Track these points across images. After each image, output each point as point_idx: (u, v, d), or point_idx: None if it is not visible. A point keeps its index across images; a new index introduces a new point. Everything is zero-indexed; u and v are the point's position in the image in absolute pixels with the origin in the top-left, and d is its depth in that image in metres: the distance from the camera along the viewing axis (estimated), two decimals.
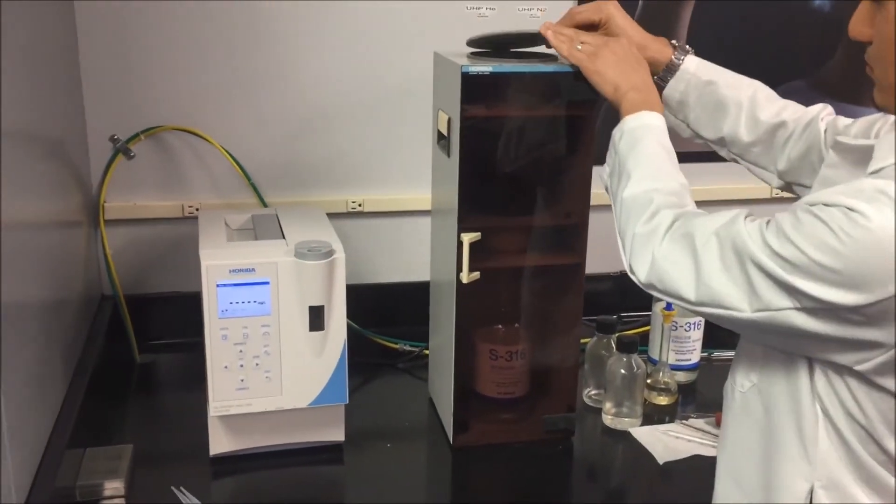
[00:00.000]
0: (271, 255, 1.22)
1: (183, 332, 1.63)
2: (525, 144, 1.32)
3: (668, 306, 1.48)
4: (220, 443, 1.29)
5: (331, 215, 1.64)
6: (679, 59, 1.18)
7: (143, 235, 1.64)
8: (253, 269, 1.20)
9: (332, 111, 1.65)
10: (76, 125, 1.54)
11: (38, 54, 1.27)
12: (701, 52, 1.21)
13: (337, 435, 1.33)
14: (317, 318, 1.23)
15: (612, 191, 1.08)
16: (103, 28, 1.53)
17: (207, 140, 1.59)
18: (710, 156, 1.84)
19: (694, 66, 1.18)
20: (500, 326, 1.41)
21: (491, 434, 1.39)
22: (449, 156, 1.29)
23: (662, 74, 1.19)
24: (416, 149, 1.68)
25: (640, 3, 1.71)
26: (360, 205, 1.70)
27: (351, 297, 1.71)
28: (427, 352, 1.60)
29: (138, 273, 1.66)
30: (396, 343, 1.68)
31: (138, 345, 1.62)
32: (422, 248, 1.62)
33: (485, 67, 1.21)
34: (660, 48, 1.19)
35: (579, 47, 1.16)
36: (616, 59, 1.13)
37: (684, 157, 1.84)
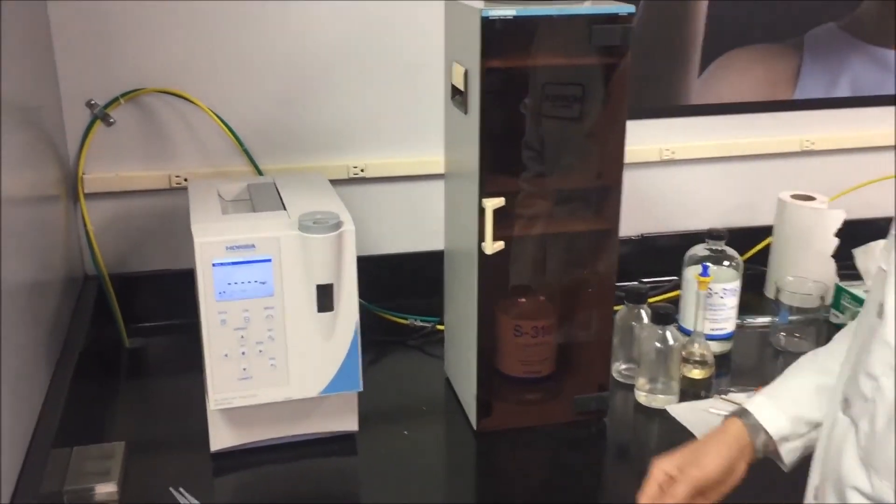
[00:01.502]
0: (272, 228, 1.09)
1: (175, 313, 1.50)
2: (551, 98, 1.19)
3: (704, 271, 1.36)
4: (222, 437, 1.17)
5: (331, 182, 1.52)
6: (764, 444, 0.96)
7: (127, 209, 1.51)
8: (253, 246, 1.07)
9: (329, 67, 1.51)
10: (48, 90, 1.40)
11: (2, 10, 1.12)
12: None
13: (350, 424, 1.22)
14: (325, 297, 1.10)
15: None
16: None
17: (194, 103, 1.45)
18: (735, 108, 1.73)
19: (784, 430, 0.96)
20: (523, 299, 1.29)
21: (516, 416, 1.28)
22: (466, 112, 1.15)
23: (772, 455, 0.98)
24: (424, 107, 1.55)
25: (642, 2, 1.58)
26: (362, 170, 1.57)
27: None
28: (441, 327, 1.48)
29: (123, 250, 1.53)
30: (406, 318, 1.56)
31: (127, 328, 1.50)
32: (430, 215, 1.49)
33: (507, 11, 1.07)
34: (743, 450, 0.95)
35: None
36: None
37: (709, 108, 1.73)
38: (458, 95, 1.18)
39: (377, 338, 1.51)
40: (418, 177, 1.60)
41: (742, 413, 0.97)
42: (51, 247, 1.34)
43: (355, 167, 1.57)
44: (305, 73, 1.51)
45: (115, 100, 1.44)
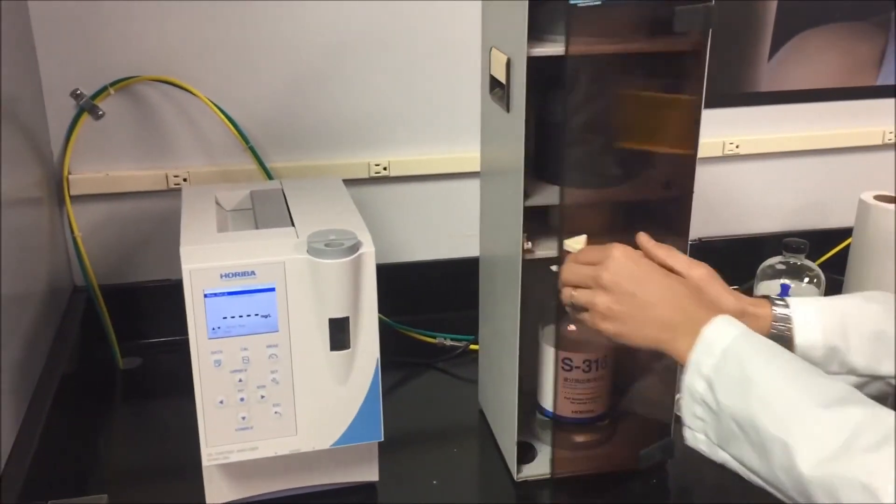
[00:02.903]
0: (276, 251, 0.91)
1: (175, 328, 1.28)
2: (611, 93, 0.99)
3: (784, 291, 1.17)
4: (220, 491, 1.00)
5: (350, 182, 1.34)
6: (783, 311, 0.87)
7: (119, 212, 1.33)
8: (253, 273, 0.89)
9: (347, 51, 1.32)
10: (27, 78, 1.22)
11: None
12: None
13: (369, 474, 1.04)
14: (340, 333, 0.92)
15: (750, 467, 0.74)
16: None
17: (192, 92, 1.27)
18: (809, 95, 1.52)
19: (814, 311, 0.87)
20: (573, 327, 1.10)
21: (563, 464, 1.09)
22: (508, 109, 0.96)
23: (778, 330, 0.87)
24: (456, 96, 1.35)
25: None
26: (385, 168, 1.38)
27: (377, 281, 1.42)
28: (475, 346, 1.30)
29: (116, 258, 1.36)
30: (435, 337, 1.38)
31: (120, 347, 1.33)
32: (464, 217, 1.31)
33: None
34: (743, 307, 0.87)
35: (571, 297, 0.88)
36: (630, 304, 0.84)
37: (779, 96, 1.52)
38: (497, 88, 0.99)
39: (401, 359, 1.34)
40: (449, 175, 1.41)
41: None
42: (30, 256, 1.17)
43: (377, 165, 1.38)
44: (320, 59, 1.32)
45: (104, 89, 1.26)
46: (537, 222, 1.04)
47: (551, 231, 1.04)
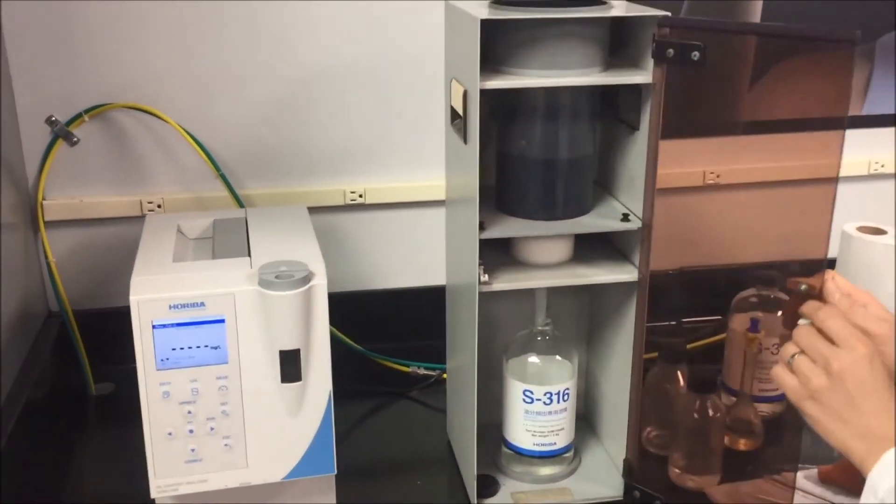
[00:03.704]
0: (227, 282, 0.90)
1: None
2: (565, 124, 0.99)
3: (754, 326, 1.15)
4: None
5: (326, 209, 1.35)
6: None
7: (93, 238, 1.34)
8: (202, 304, 0.89)
9: (322, 81, 1.32)
10: (2, 105, 1.23)
11: None
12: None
13: None
14: (290, 365, 0.92)
15: None
16: None
17: (164, 120, 1.27)
18: (790, 125, 1.51)
19: None
20: (535, 359, 1.09)
21: (526, 497, 1.08)
22: (466, 141, 0.96)
23: None
24: (431, 126, 1.35)
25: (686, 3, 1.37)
26: (360, 195, 1.38)
27: (352, 308, 1.41)
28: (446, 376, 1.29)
29: (90, 284, 1.36)
30: (409, 365, 1.37)
31: (93, 372, 1.33)
32: (439, 245, 1.30)
33: (515, 15, 0.87)
34: None
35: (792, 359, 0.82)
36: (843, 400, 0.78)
37: (761, 126, 1.51)
38: (457, 119, 0.99)
39: (373, 388, 1.33)
40: (425, 203, 1.41)
41: None
42: (4, 281, 1.18)
43: (353, 192, 1.38)
44: (295, 87, 1.32)
45: (79, 116, 1.27)
46: (498, 253, 1.03)
47: (512, 262, 1.03)
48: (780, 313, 1.22)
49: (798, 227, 1.54)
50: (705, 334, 1.45)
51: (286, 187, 1.36)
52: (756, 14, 1.40)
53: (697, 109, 1.45)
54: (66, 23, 1.23)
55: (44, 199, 1.30)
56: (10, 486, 1.01)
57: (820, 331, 0.81)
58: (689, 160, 1.48)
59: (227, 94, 1.30)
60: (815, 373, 0.80)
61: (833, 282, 0.86)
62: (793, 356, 0.82)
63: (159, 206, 1.32)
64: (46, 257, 1.30)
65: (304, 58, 1.31)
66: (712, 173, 1.48)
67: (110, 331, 1.34)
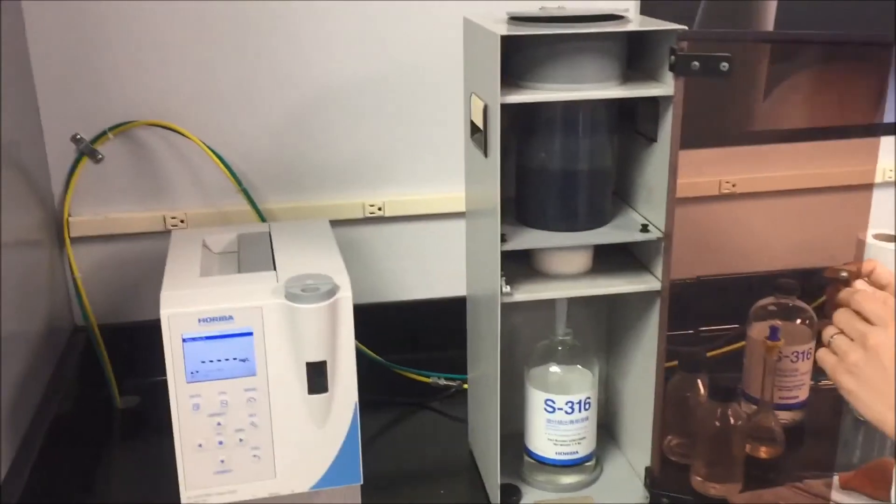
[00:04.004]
0: (254, 296, 0.92)
1: None
2: (584, 136, 1.00)
3: (774, 335, 1.16)
4: None
5: (345, 222, 1.37)
6: None
7: (118, 254, 1.36)
8: (230, 318, 0.90)
9: (341, 96, 1.34)
10: (28, 122, 1.26)
11: None
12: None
13: None
14: (318, 377, 0.93)
15: None
16: (56, 6, 1.24)
17: (186, 136, 1.30)
18: (806, 134, 1.52)
19: None
20: (556, 368, 1.10)
21: None
22: (487, 155, 0.97)
23: None
24: (449, 138, 1.37)
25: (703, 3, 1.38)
26: (379, 208, 1.40)
27: (373, 320, 1.41)
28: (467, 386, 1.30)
29: (116, 299, 1.38)
30: (429, 376, 1.38)
31: (119, 386, 1.35)
32: (458, 257, 1.32)
33: (533, 31, 0.89)
34: None
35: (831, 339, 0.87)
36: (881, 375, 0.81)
37: (776, 135, 1.52)
38: (477, 133, 1.00)
39: (394, 399, 1.35)
40: (444, 215, 1.42)
41: None
42: (30, 296, 1.20)
43: (372, 205, 1.39)
44: (315, 102, 1.34)
45: (104, 134, 1.30)
46: (518, 264, 1.05)
47: (532, 273, 1.04)
48: (798, 321, 1.23)
49: (818, 234, 1.56)
50: (724, 343, 1.46)
51: (307, 201, 1.38)
52: (770, 15, 1.41)
53: (713, 119, 1.47)
54: (90, 44, 1.26)
55: (70, 215, 1.32)
56: (37, 497, 1.03)
57: (857, 313, 0.85)
58: (704, 170, 1.49)
59: (248, 110, 1.32)
60: (853, 348, 0.84)
61: (875, 272, 0.89)
62: (832, 336, 0.86)
63: (182, 222, 1.34)
64: (72, 273, 1.32)
65: (322, 73, 1.33)
66: (727, 182, 1.49)
67: (135, 344, 1.37)
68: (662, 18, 0.98)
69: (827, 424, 1.27)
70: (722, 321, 1.50)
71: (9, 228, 1.16)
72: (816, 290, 1.46)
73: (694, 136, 1.34)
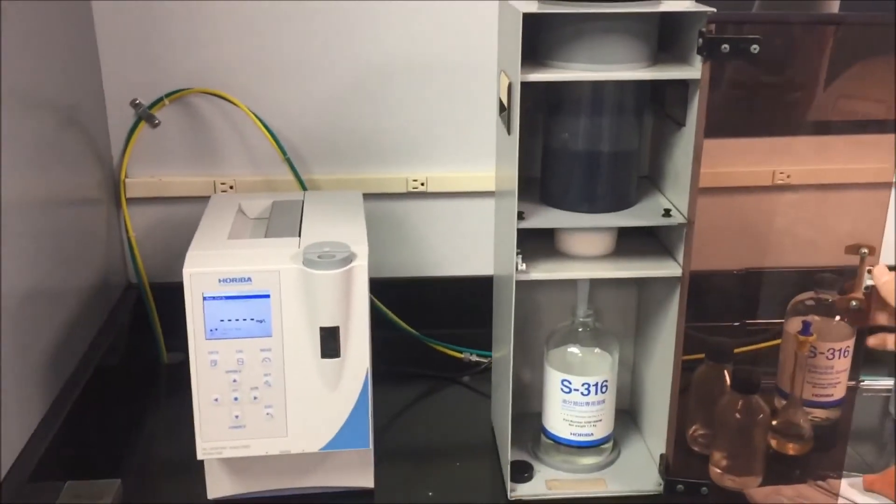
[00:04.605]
0: (274, 260, 0.95)
1: None
2: (608, 118, 1.00)
3: (806, 329, 1.13)
4: (220, 485, 1.05)
5: (388, 196, 1.39)
6: None
7: (170, 216, 1.42)
8: (249, 279, 0.94)
9: (388, 71, 1.36)
10: (91, 88, 1.32)
11: (43, 5, 1.06)
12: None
13: (364, 480, 1.07)
14: (330, 342, 0.96)
15: None
16: None
17: (237, 105, 1.34)
18: (868, 126, 1.46)
19: None
20: (575, 350, 1.10)
21: (560, 485, 1.09)
22: (509, 132, 0.98)
23: None
24: (492, 119, 1.37)
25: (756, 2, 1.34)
26: (422, 183, 1.42)
27: (411, 294, 1.45)
28: None
29: (167, 258, 1.43)
30: (461, 352, 1.40)
31: (167, 342, 1.41)
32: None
33: (556, 9, 0.89)
34: None
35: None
36: None
37: (834, 126, 1.47)
38: (504, 111, 1.01)
39: (426, 372, 1.37)
40: (485, 193, 1.42)
41: None
42: (86, 252, 1.27)
43: (415, 180, 1.41)
44: (363, 77, 1.37)
45: (160, 100, 1.35)
46: (542, 245, 1.05)
47: (554, 254, 1.05)
48: (837, 318, 1.20)
49: (860, 230, 1.50)
50: (770, 337, 1.43)
51: (351, 174, 1.41)
52: (834, 9, 1.37)
53: (769, 107, 1.43)
54: (150, 15, 1.31)
55: (126, 176, 1.38)
56: (70, 442, 1.09)
57: None
58: (759, 159, 1.45)
59: (298, 83, 1.36)
60: None
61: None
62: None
63: (231, 188, 1.39)
64: (127, 232, 1.38)
65: (372, 50, 1.35)
66: (782, 173, 1.45)
67: (183, 303, 1.43)
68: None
69: (862, 425, 1.24)
70: (768, 314, 1.46)
71: (69, 187, 1.23)
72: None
73: (748, 123, 1.32)
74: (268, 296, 0.95)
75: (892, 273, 0.86)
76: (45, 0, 1.12)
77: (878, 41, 1.40)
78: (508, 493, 1.08)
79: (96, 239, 1.33)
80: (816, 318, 1.18)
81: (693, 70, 0.94)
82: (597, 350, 1.09)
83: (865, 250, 0.89)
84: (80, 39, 1.28)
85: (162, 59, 1.34)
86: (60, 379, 1.15)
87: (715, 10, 0.91)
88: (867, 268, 0.90)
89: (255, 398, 0.97)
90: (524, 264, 0.99)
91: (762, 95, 1.41)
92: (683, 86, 0.97)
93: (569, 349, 1.10)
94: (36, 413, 1.06)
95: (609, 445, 1.13)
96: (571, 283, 1.08)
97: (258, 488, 1.06)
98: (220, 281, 0.94)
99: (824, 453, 1.17)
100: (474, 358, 1.39)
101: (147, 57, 1.33)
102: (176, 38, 1.33)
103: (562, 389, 1.08)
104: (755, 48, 0.90)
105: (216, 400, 0.97)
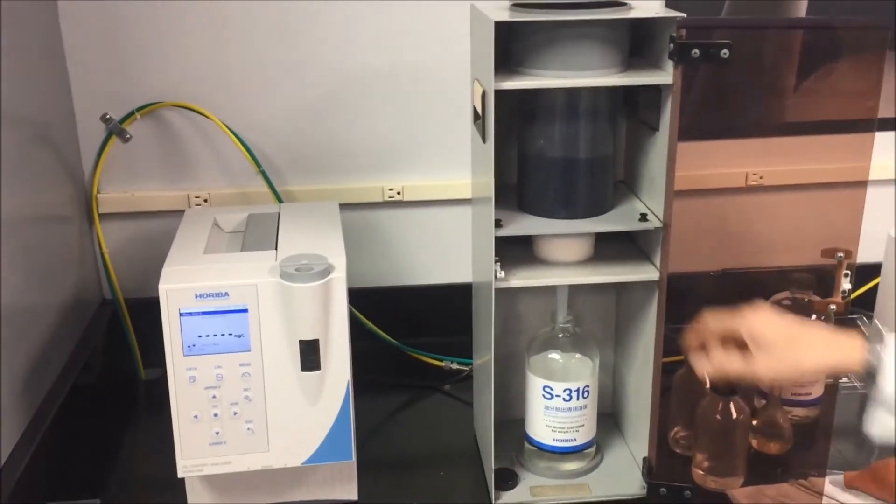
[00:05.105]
0: (251, 274, 0.95)
1: None
2: (583, 124, 1.00)
3: None
4: (202, 502, 1.04)
5: (364, 206, 1.38)
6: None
7: (144, 230, 1.40)
8: (226, 294, 0.93)
9: (362, 81, 1.36)
10: (61, 104, 1.31)
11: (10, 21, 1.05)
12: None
13: (347, 493, 1.07)
14: (310, 355, 0.95)
15: None
16: None
17: (209, 118, 1.33)
18: (838, 126, 1.48)
19: None
20: (556, 356, 1.10)
21: (544, 491, 1.09)
22: (484, 140, 0.98)
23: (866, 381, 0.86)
24: (467, 127, 1.37)
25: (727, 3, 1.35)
26: (399, 192, 1.41)
27: (388, 303, 1.44)
28: None
29: (142, 274, 1.42)
30: (442, 360, 1.40)
31: (143, 358, 1.39)
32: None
33: (528, 17, 0.89)
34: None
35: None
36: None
37: (806, 127, 1.48)
38: (478, 119, 1.01)
39: (407, 382, 1.36)
40: (461, 201, 1.43)
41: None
42: (59, 269, 1.25)
43: (391, 189, 1.41)
44: (336, 86, 1.36)
45: (132, 114, 1.34)
46: (520, 252, 1.05)
47: (533, 260, 1.05)
48: (813, 317, 1.21)
49: (835, 230, 1.52)
50: None
51: (326, 184, 1.40)
52: (801, 13, 1.38)
53: (731, 110, 1.44)
54: (120, 29, 1.30)
55: (98, 192, 1.37)
56: (48, 462, 1.08)
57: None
58: (732, 161, 1.47)
59: (271, 94, 1.35)
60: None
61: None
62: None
63: (206, 201, 1.38)
64: (100, 247, 1.37)
65: (343, 59, 1.34)
66: (755, 174, 1.46)
67: (160, 318, 1.41)
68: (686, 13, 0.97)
69: (840, 422, 1.25)
70: None
71: (40, 203, 1.21)
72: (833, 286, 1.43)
73: (708, 126, 1.33)
74: (246, 310, 0.94)
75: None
76: (12, 17, 1.10)
77: (846, 43, 1.42)
78: (493, 501, 1.07)
79: (69, 255, 1.32)
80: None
81: (665, 75, 0.94)
82: (577, 356, 1.10)
83: (842, 254, 0.90)
84: (49, 55, 1.26)
85: (132, 72, 1.33)
86: (37, 398, 1.13)
87: (685, 15, 0.92)
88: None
89: (235, 413, 0.96)
90: (503, 272, 0.99)
91: (734, 98, 1.42)
92: (656, 91, 0.97)
93: (550, 355, 1.10)
94: (13, 434, 1.04)
95: (592, 450, 1.13)
96: (551, 290, 1.08)
97: (238, 501, 1.05)
98: (196, 296, 0.93)
99: (805, 451, 1.19)
100: (455, 366, 1.38)
101: (117, 71, 1.32)
102: (146, 52, 1.32)
103: (544, 396, 1.08)
104: (725, 52, 0.91)
105: (196, 416, 0.96)
